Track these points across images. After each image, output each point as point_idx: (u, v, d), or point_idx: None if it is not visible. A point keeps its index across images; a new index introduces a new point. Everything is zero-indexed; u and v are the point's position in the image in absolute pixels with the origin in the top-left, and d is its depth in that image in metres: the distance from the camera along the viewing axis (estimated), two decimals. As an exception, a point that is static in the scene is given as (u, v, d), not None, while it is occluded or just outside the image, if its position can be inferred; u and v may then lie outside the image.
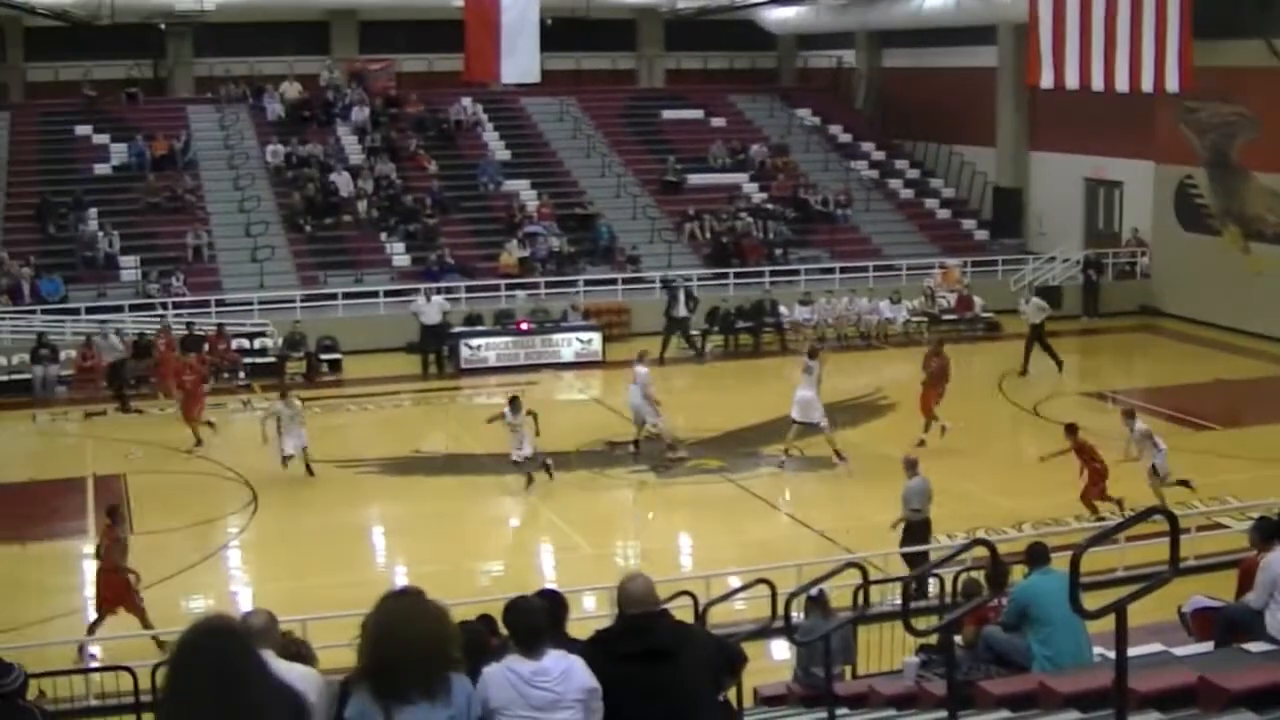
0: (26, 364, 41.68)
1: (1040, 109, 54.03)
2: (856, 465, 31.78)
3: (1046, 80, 32.52)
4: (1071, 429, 28.05)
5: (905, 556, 23.61)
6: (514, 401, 31.16)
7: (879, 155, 60.02)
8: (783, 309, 46.65)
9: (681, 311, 44.45)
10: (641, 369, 33.65)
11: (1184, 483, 27.89)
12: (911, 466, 25.08)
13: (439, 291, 44.74)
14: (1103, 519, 26.82)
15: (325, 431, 35.13)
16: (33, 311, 44.54)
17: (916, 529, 24.58)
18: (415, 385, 41.75)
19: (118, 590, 22.84)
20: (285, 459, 31.51)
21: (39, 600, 25.26)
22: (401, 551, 29.03)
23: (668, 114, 60.60)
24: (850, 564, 16.53)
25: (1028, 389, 39.93)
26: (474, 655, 9.09)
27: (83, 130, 55.32)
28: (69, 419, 39.53)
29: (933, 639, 14.42)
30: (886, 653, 18.21)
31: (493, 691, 8.29)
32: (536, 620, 8.74)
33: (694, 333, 45.35)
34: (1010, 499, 28.88)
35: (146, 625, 22.56)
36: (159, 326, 42.28)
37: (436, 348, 43.21)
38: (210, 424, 35.75)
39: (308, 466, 31.92)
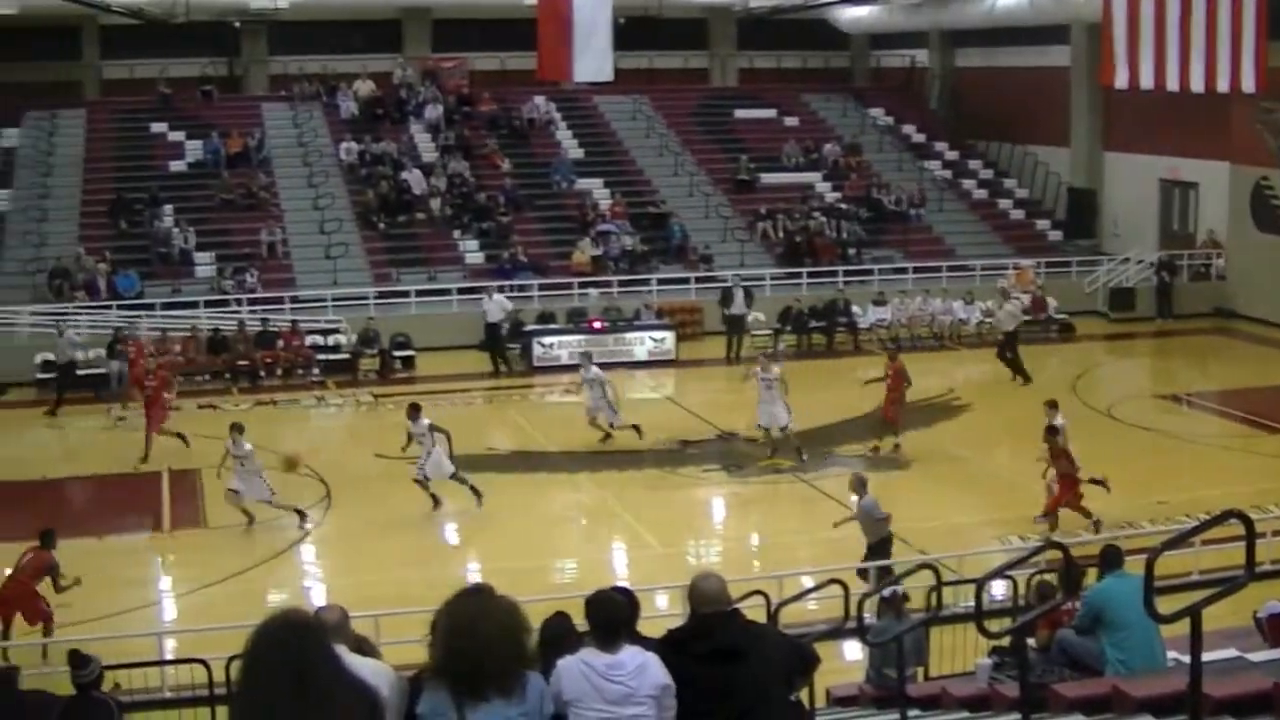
0: (102, 359, 41.96)
1: (1114, 109, 53.71)
2: (928, 466, 31.70)
3: (1121, 80, 32.25)
4: (1052, 430, 27.72)
5: (877, 570, 23.09)
6: (413, 409, 30.28)
7: (952, 155, 59.78)
8: (855, 309, 46.54)
9: (740, 309, 44.36)
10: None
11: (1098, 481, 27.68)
12: (861, 485, 24.62)
13: (501, 290, 44.74)
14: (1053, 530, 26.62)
15: (398, 428, 35.10)
16: (108, 307, 44.87)
17: (881, 546, 24.11)
18: (487, 383, 41.84)
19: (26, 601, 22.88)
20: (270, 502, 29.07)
21: (114, 593, 25.42)
22: (473, 548, 29.07)
23: (740, 113, 60.50)
24: (923, 565, 16.47)
25: (1103, 391, 39.69)
26: (554, 648, 9.12)
27: (158, 127, 55.71)
28: (143, 414, 39.70)
29: (1006, 641, 14.37)
30: (959, 654, 18.13)
31: (566, 684, 8.30)
32: (617, 614, 8.74)
33: (765, 331, 45.29)
34: (1085, 501, 28.64)
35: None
36: (124, 333, 42.19)
37: (498, 346, 43.20)
38: (181, 436, 34.66)
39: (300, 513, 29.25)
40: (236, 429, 28.61)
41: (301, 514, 28.70)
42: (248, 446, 28.20)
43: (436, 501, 29.76)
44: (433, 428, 29.68)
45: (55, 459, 34.81)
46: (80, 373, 40.98)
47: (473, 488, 29.56)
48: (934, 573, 15.89)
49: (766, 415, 33.06)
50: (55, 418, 38.87)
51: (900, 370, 33.77)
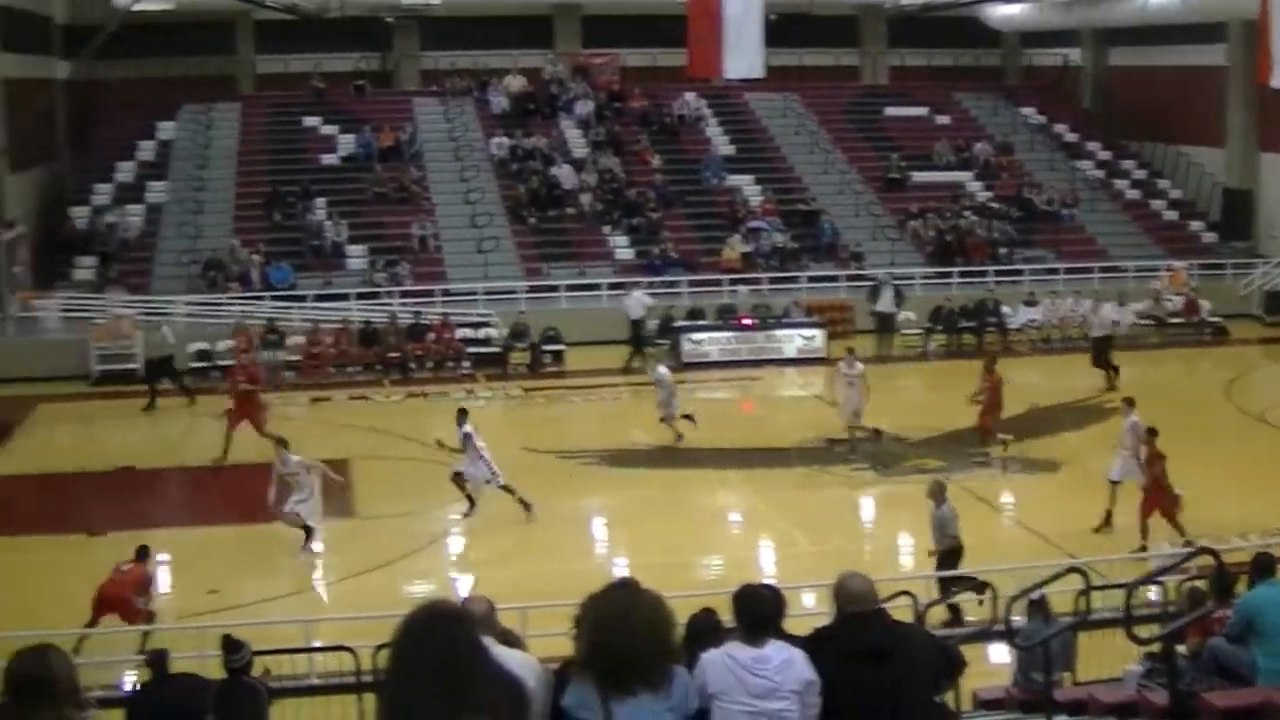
0: (256, 349, 42.48)
1: (1271, 108, 52.74)
2: (1078, 469, 31.40)
3: (1278, 80, 31.76)
4: (1152, 432, 27.20)
5: (946, 580, 22.63)
6: (280, 443, 28.85)
7: (1105, 155, 59.08)
8: (1006, 309, 46.15)
9: (888, 306, 44.14)
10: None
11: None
12: (940, 492, 24.19)
13: (639, 286, 44.77)
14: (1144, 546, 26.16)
15: (547, 422, 35.47)
16: (261, 298, 45.44)
17: (952, 556, 23.68)
18: (636, 378, 41.85)
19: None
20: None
21: (265, 580, 25.77)
22: (619, 543, 29.11)
23: (891, 111, 60.19)
24: (1072, 569, 16.32)
25: (1256, 396, 39.15)
26: (700, 643, 9.13)
27: (311, 121, 56.36)
28: (295, 404, 40.18)
29: (1156, 647, 14.20)
30: (1107, 660, 17.93)
31: (711, 676, 8.27)
32: (765, 608, 8.72)
33: (915, 331, 45.06)
34: (1237, 507, 28.24)
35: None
36: (237, 326, 42.42)
37: (637, 342, 43.25)
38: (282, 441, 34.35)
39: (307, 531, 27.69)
40: (282, 443, 27.99)
41: (309, 531, 27.64)
42: (294, 459, 27.47)
43: (472, 502, 29.52)
44: (469, 437, 29.44)
45: (198, 447, 35.17)
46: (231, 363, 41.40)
47: (471, 498, 29.33)
48: (1083, 577, 15.73)
49: (849, 411, 33.29)
50: (151, 411, 38.96)
51: (997, 383, 33.51)
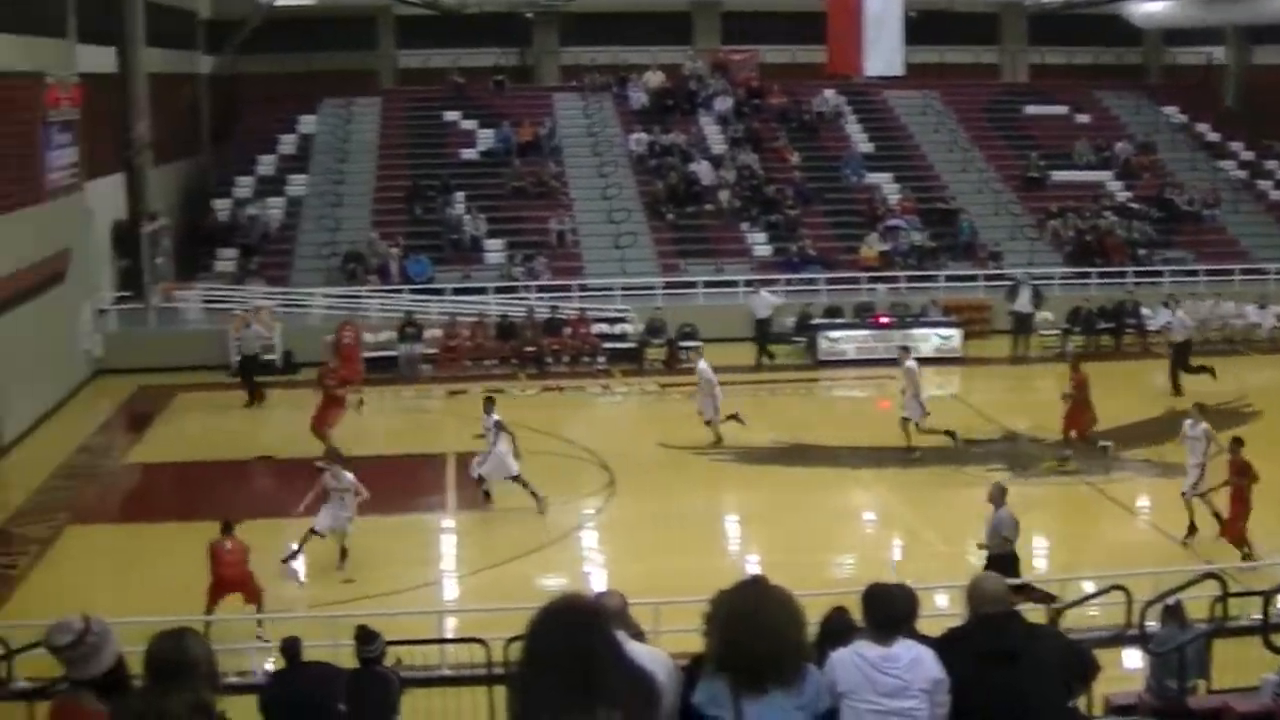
0: (393, 341, 42.84)
1: None
2: (1216, 474, 30.94)
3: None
4: (1238, 442, 26.50)
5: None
6: (488, 402, 30.12)
7: (1247, 155, 58.18)
8: (1145, 310, 45.55)
9: (1025, 307, 43.71)
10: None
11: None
12: (1001, 495, 23.73)
13: (766, 284, 44.56)
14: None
15: (684, 419, 35.35)
16: (400, 291, 45.74)
17: (1003, 561, 22.81)
18: (772, 375, 41.77)
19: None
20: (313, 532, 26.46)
21: (399, 571, 25.89)
22: (753, 539, 29.04)
23: (1031, 109, 59.62)
24: (1209, 575, 16.10)
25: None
26: (833, 642, 9.07)
27: (451, 116, 56.66)
28: (431, 396, 40.47)
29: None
30: (1243, 668, 17.67)
31: (840, 675, 8.23)
32: (895, 606, 8.66)
33: (1053, 331, 44.64)
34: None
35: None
36: (344, 319, 41.97)
37: (763, 341, 43.03)
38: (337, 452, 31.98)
39: (343, 551, 26.61)
40: (335, 458, 27.23)
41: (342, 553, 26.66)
42: (349, 478, 26.42)
43: (487, 496, 29.52)
44: (499, 425, 29.31)
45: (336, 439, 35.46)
46: (369, 355, 41.71)
47: (534, 492, 29.12)
48: (1220, 583, 15.51)
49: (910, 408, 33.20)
50: (252, 408, 39.02)
51: (1083, 381, 32.99)
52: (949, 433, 33.35)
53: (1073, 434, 32.84)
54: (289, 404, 38.26)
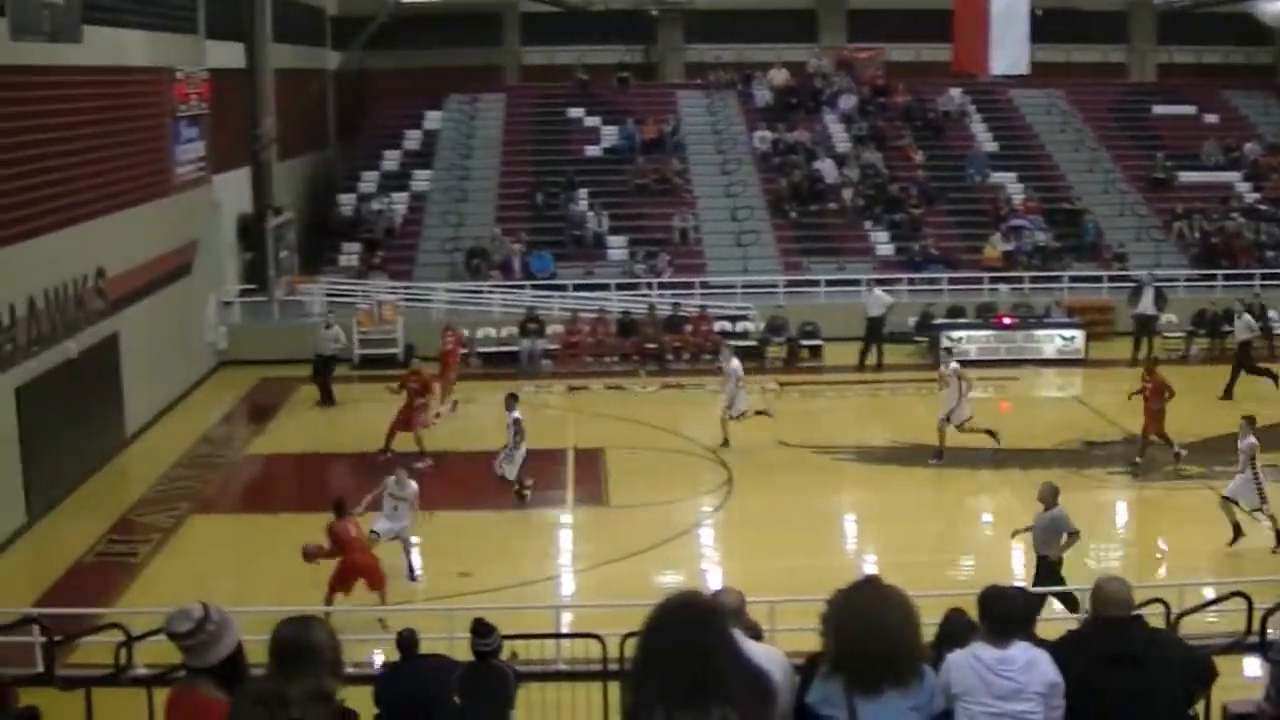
0: (515, 337, 43.00)
1: None
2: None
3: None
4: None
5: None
6: (510, 398, 29.86)
7: (1382, 156, 57.40)
8: (1272, 313, 44.87)
9: (1148, 309, 43.18)
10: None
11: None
12: (1052, 495, 22.93)
13: (879, 283, 44.20)
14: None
15: (803, 416, 35.35)
16: (522, 287, 45.91)
17: (1049, 567, 22.46)
18: (893, 374, 41.53)
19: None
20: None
21: (517, 565, 25.98)
22: (870, 539, 28.91)
23: (1158, 109, 58.89)
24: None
25: None
26: (950, 643, 9.02)
27: (575, 113, 56.81)
28: (552, 392, 40.57)
29: None
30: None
31: (955, 677, 8.20)
32: (1012, 608, 8.62)
33: (1177, 334, 44.12)
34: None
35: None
36: (447, 324, 40.73)
37: (875, 340, 42.71)
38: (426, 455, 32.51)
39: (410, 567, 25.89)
40: (403, 470, 26.39)
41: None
42: (412, 489, 25.68)
43: (522, 497, 29.42)
44: (518, 423, 29.25)
45: (453, 434, 35.53)
46: (490, 350, 41.83)
47: (519, 491, 29.25)
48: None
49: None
50: (327, 408, 38.78)
51: (1160, 384, 32.26)
52: (990, 432, 32.91)
53: (1152, 436, 32.35)
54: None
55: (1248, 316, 40.26)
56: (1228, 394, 38.26)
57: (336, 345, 39.56)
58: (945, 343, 41.51)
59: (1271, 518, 26.09)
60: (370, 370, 40.67)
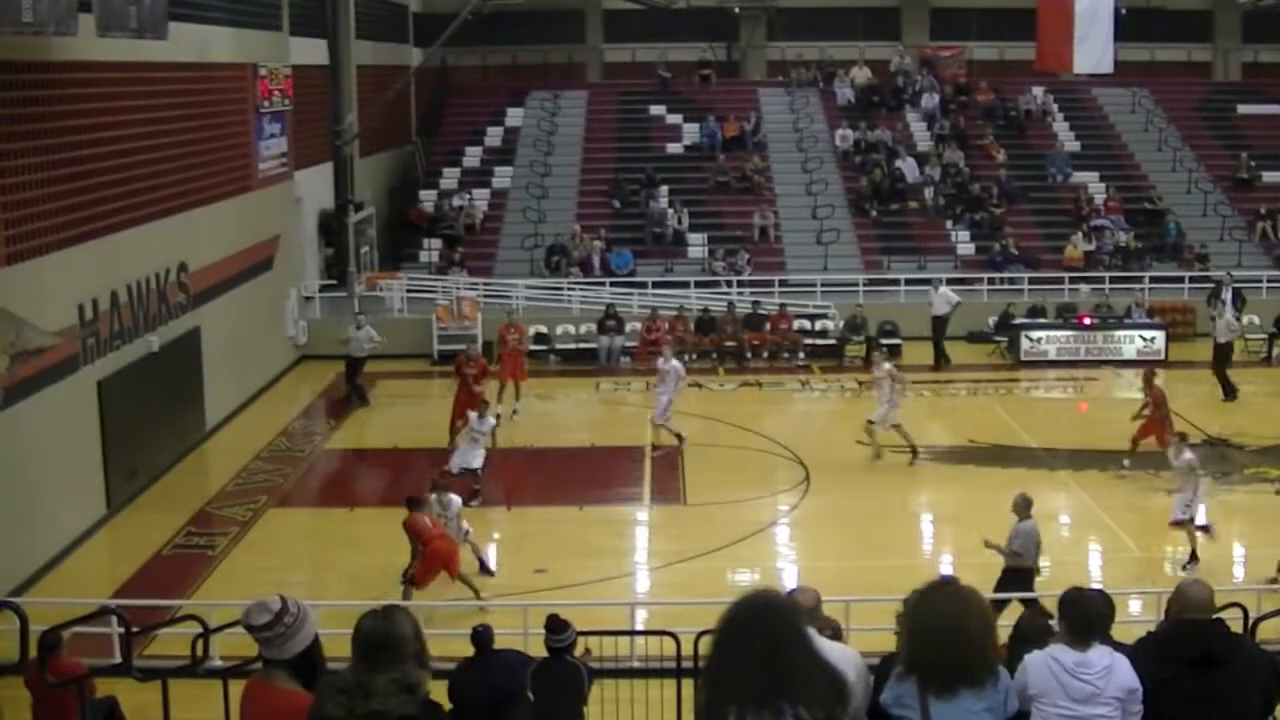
0: (593, 334, 43.04)
1: None
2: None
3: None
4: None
5: (993, 603, 21.07)
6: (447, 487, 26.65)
7: None
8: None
9: (1228, 311, 42.77)
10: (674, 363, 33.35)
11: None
12: (1025, 506, 22.65)
13: (945, 282, 43.83)
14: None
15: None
16: (602, 283, 45.96)
17: (1014, 575, 22.16)
18: (972, 375, 41.34)
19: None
20: None
21: (592, 562, 26.02)
22: (947, 540, 28.72)
23: (1243, 108, 58.35)
24: None
25: None
26: (1027, 644, 9.01)
27: (656, 110, 56.87)
28: (630, 389, 40.59)
29: None
30: None
31: (1032, 678, 8.22)
32: (1092, 611, 8.60)
33: (1259, 336, 43.71)
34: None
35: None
36: (506, 321, 39.55)
37: (939, 339, 42.46)
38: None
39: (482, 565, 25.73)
40: (441, 489, 25.49)
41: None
42: (456, 505, 25.13)
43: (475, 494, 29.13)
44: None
45: (528, 430, 35.57)
46: (569, 346, 41.91)
47: (475, 490, 29.05)
48: None
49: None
50: (364, 405, 38.53)
51: (1160, 397, 32.13)
52: (913, 449, 32.50)
53: (1149, 439, 32.08)
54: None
55: (1229, 317, 39.93)
56: (1230, 396, 38.42)
57: (370, 345, 38.61)
58: (1025, 344, 41.44)
59: (1192, 536, 25.72)
60: (448, 366, 40.77)
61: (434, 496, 24.76)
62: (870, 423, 32.20)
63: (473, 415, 29.38)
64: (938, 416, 37.83)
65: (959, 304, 42.53)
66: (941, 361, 42.06)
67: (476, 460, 29.40)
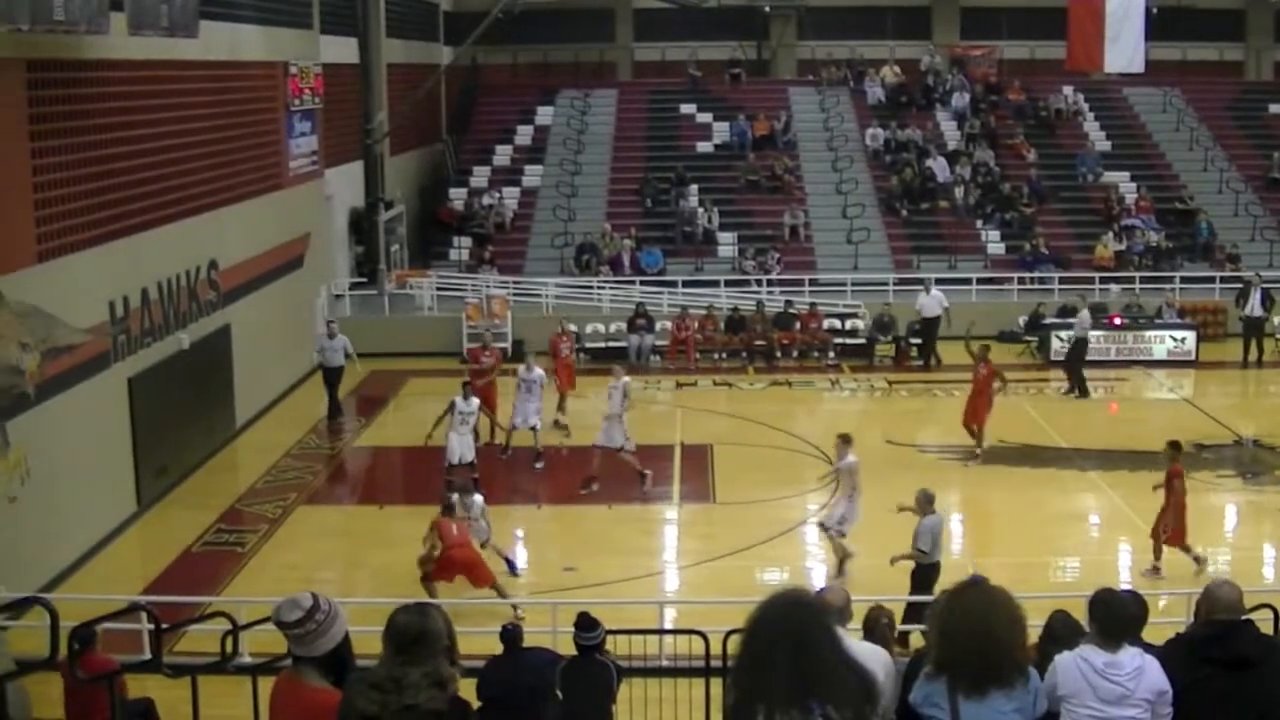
0: (623, 333, 43.05)
1: None
2: None
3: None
4: (1174, 447, 25.97)
5: (909, 605, 20.82)
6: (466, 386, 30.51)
7: None
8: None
9: (1255, 310, 42.55)
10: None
11: None
12: (927, 502, 22.52)
13: (935, 284, 43.49)
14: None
15: (910, 415, 35.18)
16: (632, 282, 45.99)
17: (924, 573, 22.01)
18: (1016, 374, 41.21)
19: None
20: None
21: (621, 560, 26.03)
22: (976, 541, 28.66)
23: (1275, 108, 58.04)
24: None
25: None
26: (1057, 645, 9.00)
27: (686, 109, 56.90)
28: (660, 388, 40.57)
29: None
30: None
31: (1062, 679, 8.22)
32: (1125, 614, 8.59)
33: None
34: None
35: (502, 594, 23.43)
36: (559, 330, 38.81)
37: (930, 342, 42.27)
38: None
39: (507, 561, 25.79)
40: (464, 491, 25.67)
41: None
42: (478, 505, 24.98)
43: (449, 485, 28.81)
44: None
45: (574, 428, 35.56)
46: (599, 345, 41.90)
47: (474, 479, 28.91)
48: None
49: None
50: (337, 419, 37.43)
51: (990, 375, 32.76)
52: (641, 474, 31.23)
53: (974, 426, 32.81)
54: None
55: (1085, 314, 39.94)
56: (1081, 393, 38.87)
57: (345, 354, 37.16)
58: (1055, 344, 41.34)
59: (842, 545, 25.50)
60: (478, 365, 40.83)
61: (456, 498, 24.67)
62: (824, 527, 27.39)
63: (458, 398, 29.42)
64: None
65: (949, 307, 42.33)
66: (931, 362, 41.95)
67: (470, 452, 29.72)
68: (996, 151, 53.87)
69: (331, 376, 37.21)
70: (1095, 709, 8.18)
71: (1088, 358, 39.63)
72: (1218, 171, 53.48)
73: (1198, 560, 25.15)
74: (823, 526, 26.16)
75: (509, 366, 35.77)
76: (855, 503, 25.43)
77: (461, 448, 29.62)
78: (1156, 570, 25.21)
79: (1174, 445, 26.03)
